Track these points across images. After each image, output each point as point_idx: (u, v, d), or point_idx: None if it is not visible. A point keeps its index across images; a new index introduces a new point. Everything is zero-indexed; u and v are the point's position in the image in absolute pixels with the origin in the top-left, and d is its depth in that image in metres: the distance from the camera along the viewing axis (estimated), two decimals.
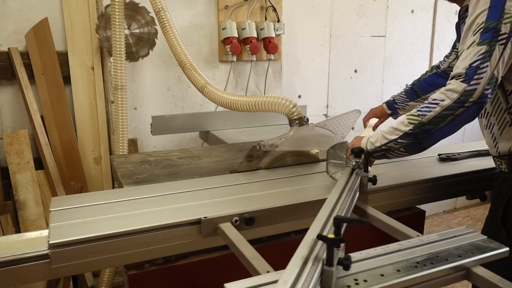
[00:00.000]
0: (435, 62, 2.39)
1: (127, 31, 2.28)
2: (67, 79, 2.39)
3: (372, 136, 1.34)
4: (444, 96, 1.19)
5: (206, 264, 1.27)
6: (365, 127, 1.92)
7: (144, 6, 2.31)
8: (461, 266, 0.92)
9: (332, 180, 1.37)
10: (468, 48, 1.19)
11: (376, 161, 1.46)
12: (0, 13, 2.26)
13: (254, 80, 2.79)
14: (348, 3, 3.11)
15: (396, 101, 1.89)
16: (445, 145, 1.96)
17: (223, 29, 2.57)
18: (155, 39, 2.38)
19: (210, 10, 2.60)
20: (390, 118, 1.94)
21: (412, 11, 3.33)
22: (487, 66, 1.15)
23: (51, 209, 1.21)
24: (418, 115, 1.22)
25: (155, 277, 1.23)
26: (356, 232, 1.30)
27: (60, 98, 2.36)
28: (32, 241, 1.07)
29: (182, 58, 2.07)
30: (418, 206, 1.62)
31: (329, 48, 3.13)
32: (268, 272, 0.89)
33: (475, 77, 1.15)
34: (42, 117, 2.33)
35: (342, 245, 0.80)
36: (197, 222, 1.14)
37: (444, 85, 1.23)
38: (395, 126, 1.27)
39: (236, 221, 1.16)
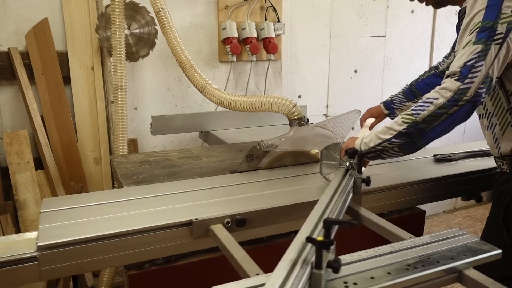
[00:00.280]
0: (435, 62, 2.39)
1: (127, 31, 2.28)
2: (67, 79, 2.39)
3: (366, 136, 1.33)
4: (438, 95, 1.18)
5: (206, 264, 1.27)
6: (361, 127, 1.91)
7: (144, 6, 2.31)
8: (453, 269, 0.91)
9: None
10: (464, 47, 1.19)
11: (371, 162, 1.45)
12: (0, 13, 2.26)
13: (254, 80, 2.79)
14: (348, 3, 3.11)
15: (394, 101, 1.89)
16: (441, 146, 1.96)
17: (223, 29, 2.57)
18: (155, 39, 2.38)
19: (210, 10, 2.60)
20: (387, 118, 1.93)
21: (412, 11, 3.33)
22: (482, 65, 1.15)
23: (41, 211, 1.21)
24: (412, 114, 1.21)
25: (155, 277, 1.23)
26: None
27: (60, 98, 2.36)
28: (21, 243, 1.06)
29: (182, 58, 2.07)
30: (418, 206, 1.62)
31: (329, 48, 3.13)
32: (257, 274, 0.88)
33: (470, 75, 1.15)
34: (42, 117, 2.33)
35: (333, 247, 0.79)
36: (189, 223, 1.14)
37: None
38: (389, 126, 1.26)
39: (227, 222, 1.15)
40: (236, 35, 2.57)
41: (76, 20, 2.37)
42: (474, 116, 1.49)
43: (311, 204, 1.04)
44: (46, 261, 1.02)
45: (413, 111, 1.21)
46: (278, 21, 2.71)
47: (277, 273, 0.73)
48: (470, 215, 3.92)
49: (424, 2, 1.51)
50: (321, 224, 0.91)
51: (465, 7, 1.26)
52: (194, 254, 1.26)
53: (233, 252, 1.00)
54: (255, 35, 2.61)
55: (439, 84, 1.21)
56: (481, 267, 0.96)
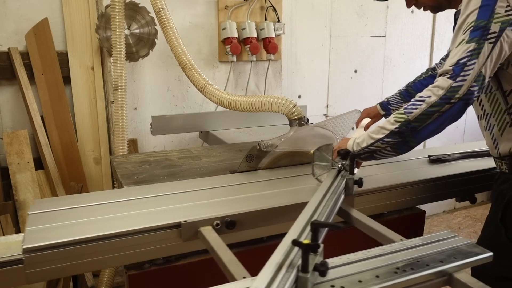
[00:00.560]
0: (435, 62, 2.39)
1: (127, 31, 2.28)
2: (67, 79, 2.39)
3: (358, 137, 1.32)
4: (430, 93, 1.18)
5: (206, 264, 1.27)
6: (357, 127, 1.90)
7: (144, 6, 2.31)
8: (443, 272, 0.90)
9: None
10: (457, 46, 1.19)
11: (364, 163, 1.44)
12: (0, 13, 2.26)
13: (254, 80, 2.79)
14: (348, 3, 3.11)
15: (390, 102, 1.88)
16: (436, 147, 1.95)
17: (223, 29, 2.57)
18: (155, 39, 2.38)
19: (210, 10, 2.60)
20: (383, 118, 1.93)
21: (412, 11, 3.33)
22: (474, 63, 1.15)
23: (29, 212, 1.19)
24: (405, 113, 1.20)
25: (155, 277, 1.23)
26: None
27: (60, 98, 2.36)
28: (8, 245, 1.04)
29: (182, 58, 2.07)
30: (418, 206, 1.62)
31: (329, 48, 3.13)
32: (244, 277, 0.87)
33: (462, 73, 1.15)
34: (42, 117, 2.33)
35: (320, 250, 0.78)
36: (178, 225, 1.12)
37: None
38: (381, 125, 1.26)
39: (217, 224, 1.14)
40: (236, 35, 2.57)
41: (76, 20, 2.37)
42: (474, 116, 1.49)
43: (303, 206, 1.03)
44: (32, 264, 1.00)
45: (405, 110, 1.21)
46: (278, 21, 2.71)
47: (261, 277, 0.72)
48: (470, 215, 3.92)
49: (422, 8, 1.52)
50: (309, 227, 0.89)
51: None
52: (194, 254, 1.26)
53: (221, 255, 0.99)
54: (255, 35, 2.61)
55: None
56: (478, 266, 0.95)
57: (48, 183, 2.35)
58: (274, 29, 2.66)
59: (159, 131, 2.29)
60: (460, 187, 1.59)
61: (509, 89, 1.32)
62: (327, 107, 3.23)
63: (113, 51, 2.17)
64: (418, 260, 0.91)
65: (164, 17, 2.08)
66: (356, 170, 1.33)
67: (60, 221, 1.14)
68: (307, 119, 1.64)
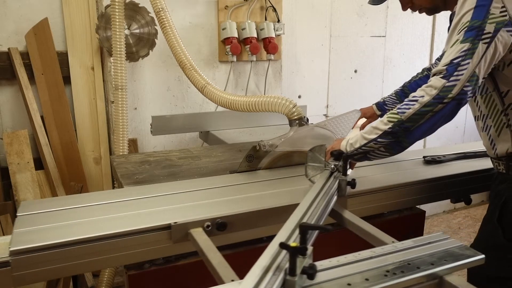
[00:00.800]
0: None
1: (127, 31, 2.28)
2: (67, 79, 2.39)
3: (351, 137, 1.31)
4: (423, 93, 1.18)
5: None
6: (353, 127, 1.90)
7: (144, 6, 2.31)
8: (433, 275, 0.88)
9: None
10: (451, 46, 1.18)
11: (358, 164, 1.43)
12: (0, 13, 2.26)
13: (254, 80, 2.79)
14: (348, 3, 3.11)
15: (386, 102, 1.88)
16: (433, 147, 1.93)
17: (223, 29, 2.57)
18: (155, 39, 2.38)
19: (210, 10, 2.60)
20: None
21: (412, 12, 3.33)
22: (468, 63, 1.14)
23: (18, 214, 1.18)
24: (398, 113, 1.20)
25: (155, 277, 1.23)
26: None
27: (60, 98, 2.36)
28: None
29: (182, 58, 2.07)
30: (418, 206, 1.61)
31: (329, 48, 3.13)
32: (232, 280, 0.86)
33: (455, 73, 1.14)
34: (42, 117, 2.33)
35: (309, 253, 0.77)
36: (168, 227, 1.11)
37: None
38: (374, 125, 1.25)
39: (208, 226, 1.12)
40: (236, 35, 2.57)
41: (76, 20, 2.37)
42: None
43: (292, 207, 1.02)
44: (19, 266, 0.99)
45: (398, 110, 1.20)
46: (278, 21, 2.71)
47: (247, 281, 0.71)
48: (470, 215, 3.92)
49: (417, 11, 1.51)
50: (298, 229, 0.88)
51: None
52: (194, 254, 1.25)
53: (210, 257, 0.97)
54: (255, 35, 2.61)
55: None
56: (475, 266, 0.94)
57: (48, 183, 2.35)
58: (274, 29, 2.66)
59: (159, 131, 2.29)
60: (455, 188, 1.58)
61: (505, 90, 1.31)
62: (327, 107, 3.23)
63: (113, 51, 2.17)
64: (409, 263, 0.90)
65: (164, 17, 2.08)
66: (350, 171, 1.32)
67: (48, 223, 1.13)
68: (307, 119, 1.63)
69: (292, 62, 2.99)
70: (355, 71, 3.28)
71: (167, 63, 2.53)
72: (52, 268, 1.02)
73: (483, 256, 0.93)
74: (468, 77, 1.15)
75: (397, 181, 1.48)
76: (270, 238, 1.30)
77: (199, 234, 1.09)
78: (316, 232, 0.95)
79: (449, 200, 1.66)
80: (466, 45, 1.15)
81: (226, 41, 2.57)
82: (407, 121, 1.18)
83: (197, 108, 2.67)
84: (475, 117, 1.45)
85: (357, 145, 1.27)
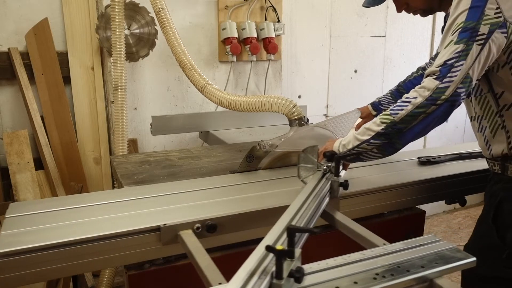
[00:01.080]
0: None
1: (127, 31, 2.28)
2: (67, 79, 2.39)
3: (344, 138, 1.30)
4: (416, 94, 1.17)
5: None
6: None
7: (144, 6, 2.31)
8: (423, 278, 0.86)
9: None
10: (445, 47, 1.18)
11: (352, 165, 1.42)
12: (0, 13, 2.26)
13: (254, 80, 2.79)
14: (348, 3, 3.11)
15: (381, 102, 1.87)
16: (427, 148, 1.92)
17: (223, 29, 2.57)
18: (155, 39, 2.38)
19: (210, 10, 2.60)
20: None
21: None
22: (462, 64, 1.14)
23: (6, 216, 1.17)
24: (390, 114, 1.19)
25: (155, 277, 1.23)
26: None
27: (60, 98, 2.36)
28: None
29: (182, 58, 2.07)
30: (418, 206, 1.61)
31: (329, 48, 3.13)
32: (220, 284, 0.85)
33: (449, 75, 1.13)
34: (42, 117, 2.33)
35: (297, 255, 0.77)
36: (157, 229, 1.10)
37: None
38: (367, 126, 1.24)
39: (197, 228, 1.11)
40: (236, 35, 2.57)
41: (76, 20, 2.37)
42: None
43: (284, 209, 1.01)
44: (2, 269, 0.98)
45: (391, 111, 1.20)
46: (278, 21, 2.71)
47: (231, 284, 0.70)
48: (470, 215, 3.92)
49: (412, 13, 1.51)
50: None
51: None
52: None
53: (198, 260, 0.96)
54: (255, 35, 2.61)
55: None
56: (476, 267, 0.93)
57: (48, 183, 2.35)
58: (274, 29, 2.66)
59: (159, 131, 2.29)
60: (450, 189, 1.57)
61: (500, 91, 1.30)
62: (327, 107, 3.23)
63: (113, 51, 2.17)
64: (399, 266, 0.88)
65: (164, 17, 2.08)
66: (343, 172, 1.31)
67: (35, 225, 1.11)
68: (307, 119, 1.63)
69: (292, 62, 2.99)
70: (355, 71, 3.28)
71: (167, 63, 2.53)
72: (41, 271, 1.01)
73: (474, 258, 0.92)
74: (462, 78, 1.14)
75: (391, 182, 1.47)
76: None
77: (188, 236, 1.08)
78: (306, 234, 0.94)
79: None
80: (460, 46, 1.15)
81: (226, 41, 2.57)
82: (400, 122, 1.17)
83: (197, 108, 2.67)
84: (470, 118, 1.45)
85: (350, 146, 1.26)
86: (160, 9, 2.08)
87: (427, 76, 1.18)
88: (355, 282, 0.82)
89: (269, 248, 0.74)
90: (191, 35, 2.57)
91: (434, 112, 1.15)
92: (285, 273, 0.73)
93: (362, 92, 3.32)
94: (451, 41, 1.17)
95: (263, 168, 1.60)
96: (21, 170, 2.29)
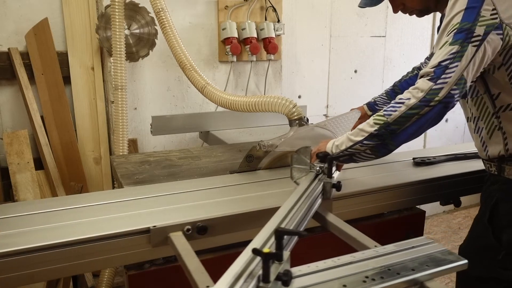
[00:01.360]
0: None
1: (127, 31, 2.28)
2: (67, 79, 2.39)
3: (337, 139, 1.30)
4: (410, 95, 1.16)
5: (206, 264, 1.26)
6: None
7: (144, 7, 2.31)
8: (414, 280, 0.85)
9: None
10: (440, 48, 1.17)
11: (346, 166, 1.41)
12: (0, 13, 2.26)
13: (254, 80, 2.79)
14: (348, 3, 3.11)
15: (377, 102, 1.86)
16: (422, 149, 1.91)
17: (223, 29, 2.57)
18: (155, 40, 2.38)
19: (210, 10, 2.60)
20: None
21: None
22: (456, 65, 1.13)
23: (0, 216, 1.17)
24: (384, 115, 1.18)
25: (155, 277, 1.23)
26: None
27: (60, 98, 2.36)
28: None
29: (182, 59, 2.07)
30: (418, 206, 1.61)
31: (329, 48, 3.13)
32: (208, 287, 0.85)
33: (443, 76, 1.12)
34: (42, 117, 2.33)
35: (286, 258, 0.75)
36: (147, 231, 1.09)
37: None
38: (360, 127, 1.23)
39: (188, 230, 1.10)
40: (236, 35, 2.57)
41: (76, 20, 2.37)
42: None
43: (275, 210, 1.00)
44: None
45: (385, 112, 1.19)
46: (278, 21, 2.71)
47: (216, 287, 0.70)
48: (470, 215, 3.92)
49: (408, 13, 1.51)
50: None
51: None
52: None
53: (187, 262, 0.95)
54: (255, 35, 2.61)
55: None
56: (468, 267, 0.93)
57: (48, 183, 2.35)
58: (274, 29, 2.66)
59: (159, 131, 2.29)
60: (445, 190, 1.56)
61: (496, 93, 1.29)
62: (327, 107, 3.23)
63: (113, 51, 2.17)
64: (389, 268, 0.87)
65: (163, 17, 2.08)
66: (337, 173, 1.30)
67: (18, 227, 1.10)
68: (307, 119, 1.63)
69: (292, 62, 2.99)
70: (355, 71, 3.28)
71: (167, 63, 2.53)
72: (20, 275, 0.99)
73: (465, 261, 0.91)
74: (456, 80, 1.13)
75: (384, 183, 1.45)
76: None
77: (178, 238, 1.07)
78: (296, 237, 0.93)
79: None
80: (455, 48, 1.13)
81: (226, 41, 2.58)
82: (393, 123, 1.17)
83: (197, 108, 2.67)
84: (466, 119, 1.44)
85: (343, 147, 1.25)
86: (160, 9, 2.08)
87: (421, 77, 1.17)
88: (344, 286, 0.80)
89: (256, 251, 0.73)
90: (191, 35, 2.57)
91: (428, 114, 1.14)
92: (272, 276, 0.72)
93: (362, 92, 3.32)
94: (446, 42, 1.16)
95: (263, 168, 1.60)
96: (21, 170, 2.29)
